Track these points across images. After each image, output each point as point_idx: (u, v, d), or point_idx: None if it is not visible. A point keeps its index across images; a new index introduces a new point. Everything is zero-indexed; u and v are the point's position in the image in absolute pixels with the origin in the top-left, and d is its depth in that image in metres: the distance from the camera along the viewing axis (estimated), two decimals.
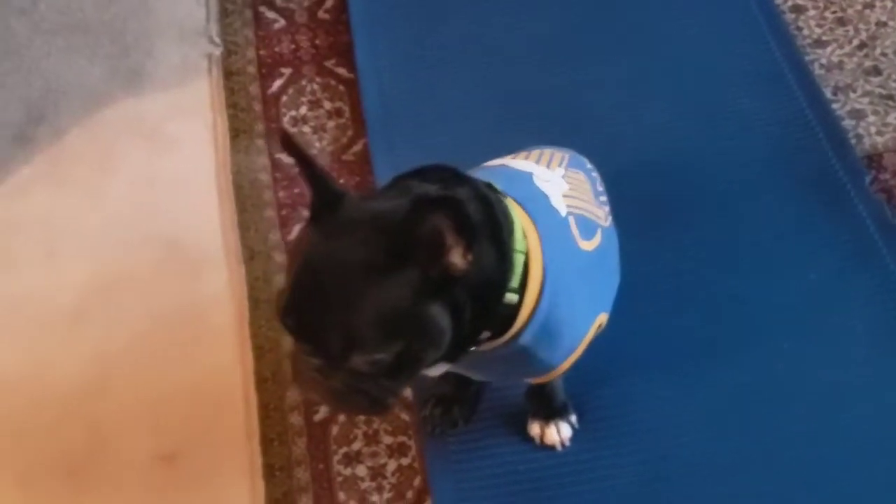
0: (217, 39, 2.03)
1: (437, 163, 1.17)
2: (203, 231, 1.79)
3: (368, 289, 1.02)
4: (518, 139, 1.52)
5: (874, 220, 1.68)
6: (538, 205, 1.22)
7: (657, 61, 1.90)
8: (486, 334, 1.16)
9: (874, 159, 1.78)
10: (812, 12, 2.00)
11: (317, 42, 2.01)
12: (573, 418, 1.50)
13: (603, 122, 1.81)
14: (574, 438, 1.50)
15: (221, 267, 1.75)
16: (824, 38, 1.96)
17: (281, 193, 1.81)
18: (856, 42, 1.95)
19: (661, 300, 1.62)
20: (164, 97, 1.97)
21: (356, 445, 1.55)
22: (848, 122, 1.83)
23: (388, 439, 1.55)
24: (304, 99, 1.93)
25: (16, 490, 1.57)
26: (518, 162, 1.35)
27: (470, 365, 1.23)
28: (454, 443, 1.51)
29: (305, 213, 1.75)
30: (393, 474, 1.52)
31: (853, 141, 1.80)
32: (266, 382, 1.62)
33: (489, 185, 1.17)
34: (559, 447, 1.49)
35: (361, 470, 1.53)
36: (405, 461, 1.53)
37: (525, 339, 1.18)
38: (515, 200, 1.19)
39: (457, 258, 1.04)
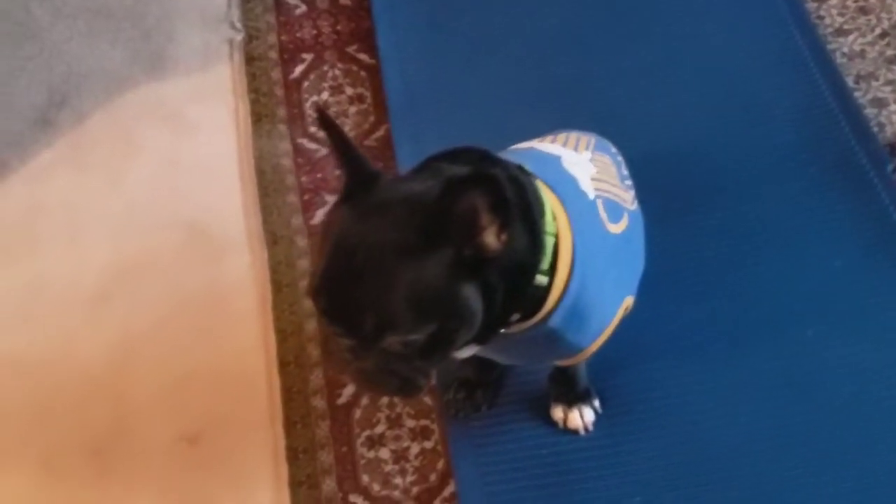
0: (238, 25, 2.03)
1: (468, 145, 1.17)
2: (225, 215, 1.80)
3: (402, 269, 1.02)
4: (540, 125, 1.52)
5: None
6: (567, 187, 1.22)
7: (679, 50, 1.90)
8: (515, 316, 1.16)
9: None
10: (834, 1, 1.99)
11: (338, 28, 2.01)
12: (596, 403, 1.51)
13: (625, 109, 1.81)
14: (596, 423, 1.51)
15: (244, 251, 1.76)
16: (846, 26, 1.96)
17: (303, 178, 1.81)
18: (878, 31, 1.95)
19: (683, 287, 1.62)
20: (186, 82, 1.97)
21: (379, 428, 1.55)
22: (870, 111, 1.82)
23: (410, 423, 1.56)
24: (325, 84, 1.94)
25: (40, 470, 1.58)
26: (546, 145, 1.35)
27: (498, 347, 1.23)
28: (477, 426, 1.52)
29: (328, 197, 1.77)
30: (416, 457, 1.53)
31: (875, 129, 1.79)
32: (289, 366, 1.62)
33: (520, 167, 1.17)
34: (582, 431, 1.50)
35: (384, 453, 1.53)
36: (428, 444, 1.54)
37: (554, 321, 1.18)
38: (545, 183, 1.19)
39: (491, 238, 1.04)
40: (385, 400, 1.57)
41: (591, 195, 1.26)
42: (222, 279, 1.73)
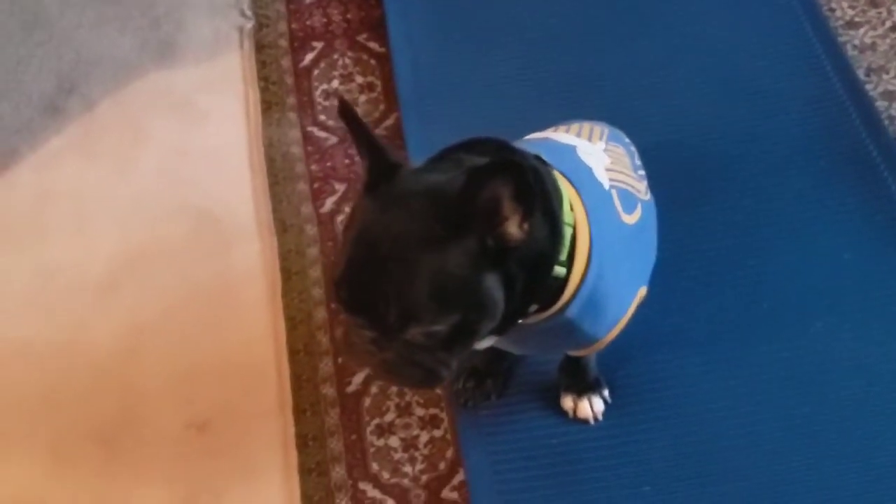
0: (248, 12, 2.03)
1: (485, 135, 1.17)
2: (235, 203, 1.80)
3: (426, 260, 1.02)
4: (550, 114, 1.52)
5: None
6: (583, 178, 1.22)
7: (690, 41, 1.90)
8: (533, 307, 1.16)
9: None
10: None
11: (348, 16, 2.01)
12: (606, 392, 1.51)
13: (634, 100, 1.81)
14: (606, 413, 1.51)
15: (254, 239, 1.76)
16: (857, 19, 1.95)
17: (313, 166, 1.81)
18: (888, 24, 1.95)
19: (693, 278, 1.62)
20: (196, 70, 1.97)
21: (389, 417, 1.55)
22: (881, 104, 1.82)
23: (420, 411, 1.56)
24: (335, 73, 1.93)
25: (49, 458, 1.58)
26: (560, 135, 1.35)
27: (514, 338, 1.23)
28: (487, 415, 1.52)
29: (338, 185, 1.77)
30: (425, 446, 1.53)
31: (886, 122, 1.79)
32: (298, 354, 1.62)
33: (538, 157, 1.17)
34: (592, 421, 1.50)
35: (394, 441, 1.53)
36: (437, 433, 1.54)
37: (571, 311, 1.18)
38: (561, 173, 1.19)
39: (513, 227, 1.04)
40: (394, 388, 1.57)
41: (606, 185, 1.26)
42: (232, 268, 1.73)
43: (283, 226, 1.76)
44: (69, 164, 1.89)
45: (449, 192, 1.03)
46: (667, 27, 1.91)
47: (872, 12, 1.96)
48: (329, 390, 1.59)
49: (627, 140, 1.46)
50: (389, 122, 1.86)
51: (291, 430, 1.56)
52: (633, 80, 1.84)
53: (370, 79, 1.92)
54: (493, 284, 1.06)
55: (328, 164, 1.81)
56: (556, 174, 1.17)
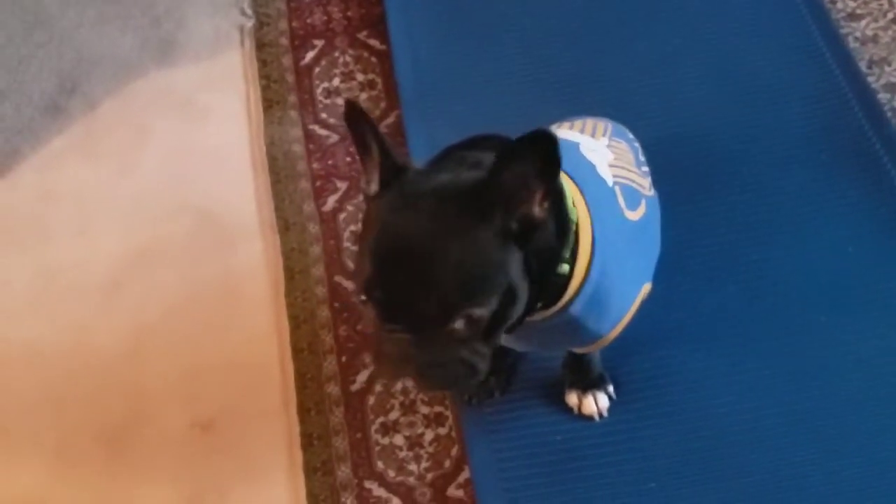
0: (249, 11, 2.03)
1: (487, 133, 1.17)
2: (237, 202, 1.80)
3: (460, 247, 1.02)
4: (552, 112, 1.52)
5: None
6: (585, 174, 1.22)
7: (691, 35, 1.89)
8: (538, 304, 1.16)
9: None
10: None
11: (349, 14, 2.01)
12: (610, 389, 1.51)
13: (637, 96, 1.80)
14: (610, 409, 1.51)
15: (256, 238, 1.76)
16: (858, 11, 1.95)
17: (315, 164, 1.81)
18: (890, 16, 1.94)
19: (697, 273, 1.61)
20: (197, 68, 1.97)
21: (393, 415, 1.55)
22: (883, 96, 1.82)
23: (424, 409, 1.56)
24: (336, 71, 1.93)
25: (54, 458, 1.59)
26: (563, 131, 1.35)
27: (518, 335, 1.23)
28: (491, 413, 1.52)
29: (339, 183, 1.77)
30: (430, 444, 1.53)
31: (889, 114, 1.79)
32: (302, 353, 1.62)
33: None
34: (597, 417, 1.50)
35: (399, 439, 1.53)
36: (442, 431, 1.54)
37: (575, 308, 1.18)
38: (563, 171, 1.19)
39: (535, 206, 1.05)
40: (399, 386, 1.57)
41: (610, 182, 1.26)
42: (234, 267, 1.73)
43: (286, 224, 1.76)
44: (71, 164, 1.89)
45: (469, 181, 1.04)
46: (668, 22, 1.91)
47: (874, 4, 1.95)
48: (333, 389, 1.59)
49: (631, 136, 1.46)
50: (390, 119, 1.86)
51: (296, 429, 1.56)
52: (635, 75, 1.83)
53: (371, 76, 1.92)
54: (520, 267, 1.06)
55: (330, 161, 1.81)
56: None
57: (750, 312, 1.58)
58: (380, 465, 1.52)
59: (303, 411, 1.57)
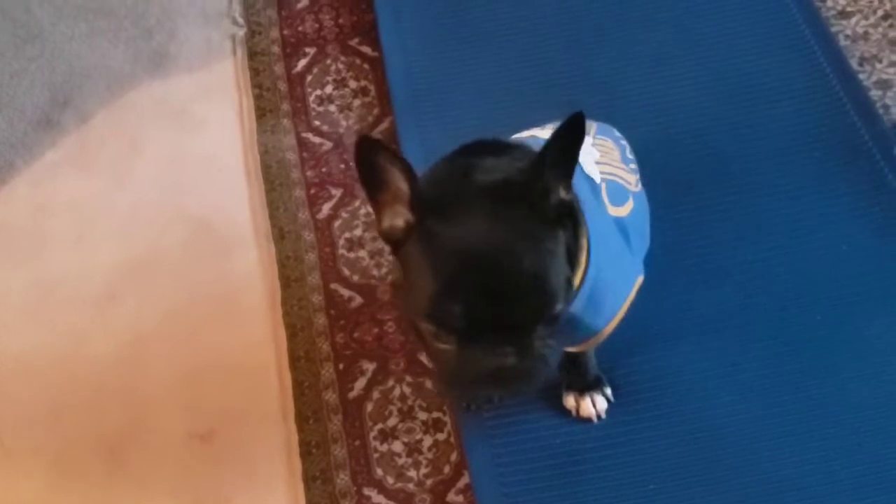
0: (240, 20, 2.03)
1: (478, 139, 1.18)
2: (232, 211, 1.80)
3: (532, 248, 1.04)
4: (544, 115, 1.52)
5: None
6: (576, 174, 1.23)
7: (682, 35, 1.89)
8: None
9: None
10: None
11: (340, 21, 2.01)
12: (608, 391, 1.51)
13: (629, 96, 1.81)
14: (609, 412, 1.51)
15: (251, 246, 1.76)
16: (849, 9, 1.95)
17: (309, 172, 1.81)
18: (880, 13, 1.94)
19: (691, 273, 1.62)
20: (189, 79, 1.97)
21: (391, 422, 1.56)
22: (875, 93, 1.82)
23: (423, 415, 1.56)
24: (328, 78, 1.93)
25: (53, 470, 1.58)
26: (546, 132, 1.35)
27: None
28: (490, 417, 1.52)
29: (334, 191, 1.77)
30: (429, 450, 1.53)
31: (880, 111, 1.79)
32: (299, 361, 1.62)
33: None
34: (595, 420, 1.50)
35: (398, 446, 1.53)
36: (441, 437, 1.54)
37: (575, 307, 1.19)
38: None
39: (562, 190, 1.06)
40: (397, 392, 1.57)
41: (598, 179, 1.28)
42: (230, 276, 1.73)
43: (281, 232, 1.76)
44: (65, 176, 1.89)
45: (518, 179, 1.05)
46: (658, 22, 1.91)
47: (863, 1, 1.96)
48: (331, 396, 1.59)
49: (618, 134, 1.48)
50: (384, 126, 1.86)
51: (295, 437, 1.56)
52: (627, 77, 1.83)
53: (363, 83, 1.92)
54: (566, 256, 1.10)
55: (324, 169, 1.81)
56: None
57: (745, 312, 1.58)
58: (379, 472, 1.52)
59: (301, 419, 1.57)
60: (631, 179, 1.39)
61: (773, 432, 1.47)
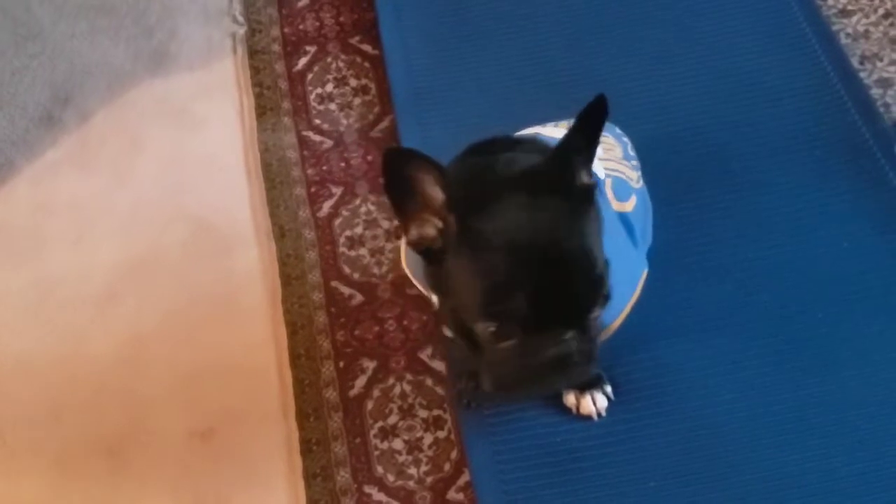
0: (241, 18, 2.03)
1: (483, 138, 1.18)
2: (233, 209, 1.80)
3: (580, 234, 1.05)
4: (546, 113, 1.52)
5: None
6: None
7: (682, 34, 1.89)
8: None
9: None
10: None
11: (341, 19, 2.01)
12: (608, 389, 1.51)
13: (630, 94, 1.80)
14: (609, 409, 1.51)
15: (252, 245, 1.76)
16: (850, 7, 1.95)
17: (309, 170, 1.81)
18: (881, 11, 1.94)
19: (691, 270, 1.62)
20: (190, 77, 1.97)
21: (392, 419, 1.55)
22: (875, 91, 1.82)
23: (423, 413, 1.56)
24: (329, 76, 1.93)
25: (54, 470, 1.58)
26: (549, 129, 1.36)
27: None
28: (490, 415, 1.52)
29: (334, 189, 1.77)
30: (429, 447, 1.53)
31: (881, 109, 1.79)
32: (300, 359, 1.62)
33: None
34: (595, 417, 1.50)
35: (398, 444, 1.53)
36: (441, 434, 1.54)
37: None
38: None
39: (585, 176, 1.08)
40: (398, 390, 1.57)
41: (602, 174, 1.28)
42: (231, 274, 1.73)
43: (281, 231, 1.76)
44: (66, 175, 1.89)
45: (550, 169, 1.06)
46: (659, 21, 1.91)
47: (865, 0, 1.96)
48: (332, 394, 1.59)
49: (619, 131, 1.48)
50: (385, 123, 1.86)
51: (295, 435, 1.56)
52: (628, 75, 1.83)
53: (364, 81, 1.92)
54: None
55: (324, 167, 1.81)
56: None
57: (746, 309, 1.58)
58: (379, 469, 1.52)
59: (301, 417, 1.57)
60: (633, 176, 1.40)
61: (773, 430, 1.47)
